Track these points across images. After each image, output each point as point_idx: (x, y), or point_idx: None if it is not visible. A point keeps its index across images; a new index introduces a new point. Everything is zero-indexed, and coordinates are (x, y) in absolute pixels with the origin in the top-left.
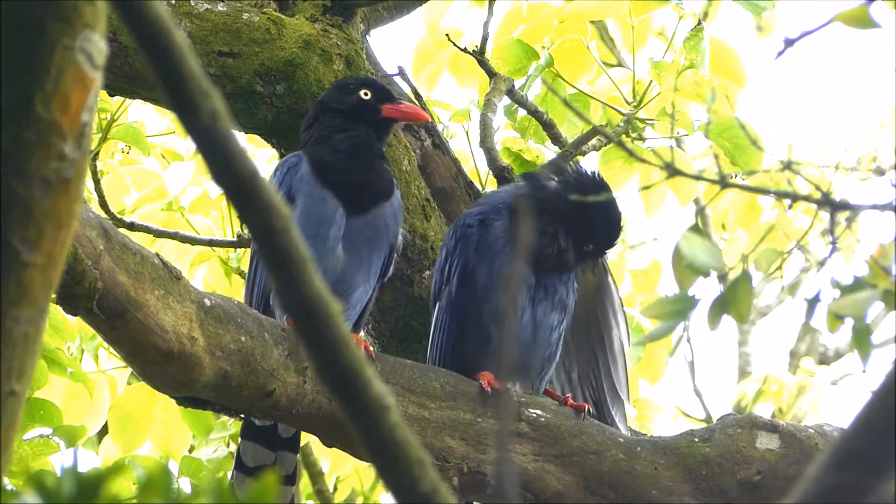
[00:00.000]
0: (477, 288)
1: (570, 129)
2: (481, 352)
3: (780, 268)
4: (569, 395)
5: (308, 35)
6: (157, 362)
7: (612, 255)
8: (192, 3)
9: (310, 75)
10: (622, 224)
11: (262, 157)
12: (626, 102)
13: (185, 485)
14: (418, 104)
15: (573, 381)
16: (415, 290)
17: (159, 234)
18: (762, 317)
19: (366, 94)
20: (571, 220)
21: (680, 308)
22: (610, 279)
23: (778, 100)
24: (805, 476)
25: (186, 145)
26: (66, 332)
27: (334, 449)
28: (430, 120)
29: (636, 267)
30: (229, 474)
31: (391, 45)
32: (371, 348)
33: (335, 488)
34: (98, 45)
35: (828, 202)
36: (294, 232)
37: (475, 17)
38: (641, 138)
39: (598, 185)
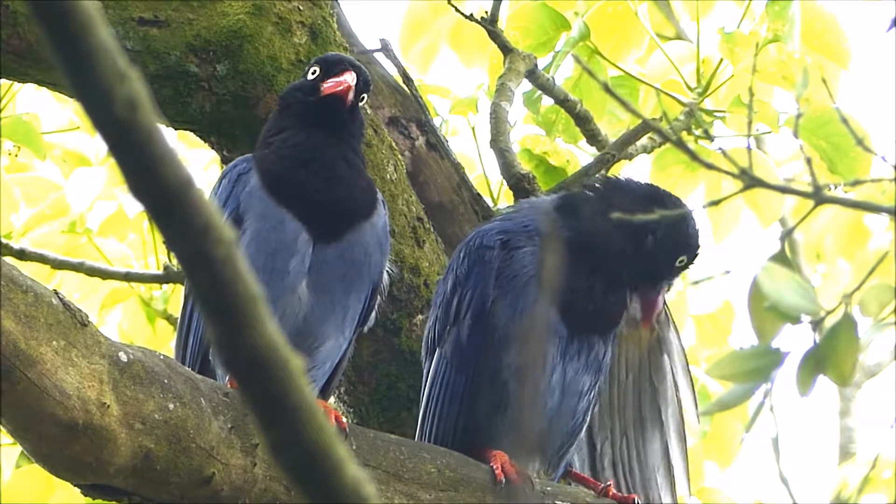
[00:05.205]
0: (495, 332)
1: (612, 124)
2: (494, 422)
3: (895, 311)
4: (609, 482)
5: None
6: (55, 438)
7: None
8: None
9: (261, 51)
10: (699, 243)
11: (196, 160)
12: (688, 88)
13: None
14: (411, 92)
15: (603, 467)
16: (402, 340)
17: (59, 264)
18: (871, 378)
19: (314, 74)
20: (623, 251)
21: (760, 366)
22: (672, 333)
23: (892, 85)
24: None
25: (95, 145)
26: None
27: None
28: (357, 96)
29: (701, 311)
30: None
31: (373, 11)
32: (344, 419)
33: None
34: None
35: None
36: (240, 262)
37: None
38: (708, 136)
39: (660, 197)
